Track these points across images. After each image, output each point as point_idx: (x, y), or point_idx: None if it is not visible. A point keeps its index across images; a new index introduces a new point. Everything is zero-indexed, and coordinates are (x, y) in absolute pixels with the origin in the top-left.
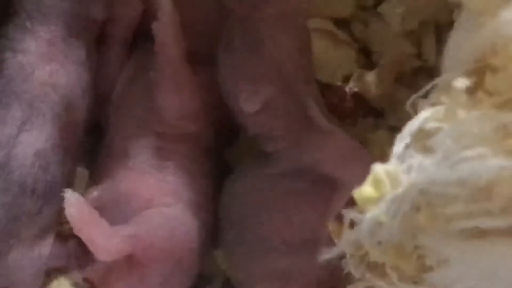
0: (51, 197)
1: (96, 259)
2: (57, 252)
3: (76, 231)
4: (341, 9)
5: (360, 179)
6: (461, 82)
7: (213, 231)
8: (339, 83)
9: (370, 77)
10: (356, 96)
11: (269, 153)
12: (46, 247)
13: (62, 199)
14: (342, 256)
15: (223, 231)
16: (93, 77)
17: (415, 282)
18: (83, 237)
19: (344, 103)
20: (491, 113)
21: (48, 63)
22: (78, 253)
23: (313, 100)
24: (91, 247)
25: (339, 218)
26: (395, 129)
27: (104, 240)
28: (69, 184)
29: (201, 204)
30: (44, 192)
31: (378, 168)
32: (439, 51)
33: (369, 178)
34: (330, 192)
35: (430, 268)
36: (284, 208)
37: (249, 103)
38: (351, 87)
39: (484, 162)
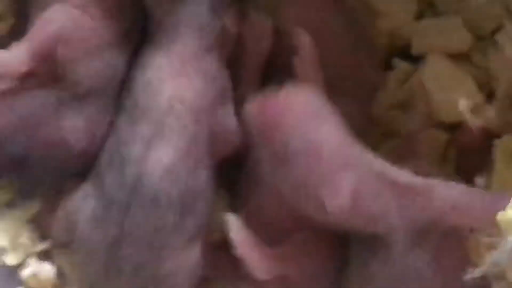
0: (191, 208)
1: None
2: (208, 261)
3: (237, 253)
4: (459, 43)
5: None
6: None
7: None
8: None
9: (491, 109)
10: (484, 131)
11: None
12: (195, 256)
13: (207, 209)
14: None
15: None
16: (221, 93)
17: None
18: (243, 257)
19: (471, 139)
20: None
21: (177, 78)
22: (227, 263)
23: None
24: (249, 267)
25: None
26: None
27: (262, 261)
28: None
29: None
30: (181, 204)
31: None
32: None
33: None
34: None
35: None
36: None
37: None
38: (475, 122)
39: None
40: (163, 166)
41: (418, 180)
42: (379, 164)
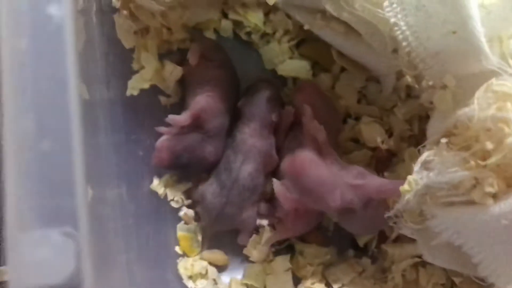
0: (257, 190)
1: (283, 207)
2: (264, 208)
3: (277, 195)
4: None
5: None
6: (444, 140)
7: None
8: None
9: (391, 141)
10: (388, 151)
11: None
12: (255, 211)
13: (261, 191)
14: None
15: None
16: (270, 144)
17: (416, 223)
18: (279, 198)
19: (383, 155)
20: (458, 152)
21: (253, 138)
22: (271, 208)
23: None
24: (282, 202)
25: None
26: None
27: (288, 200)
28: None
29: None
30: (253, 189)
31: (409, 178)
32: None
33: (406, 182)
34: (381, 203)
35: (427, 219)
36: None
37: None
38: (383, 146)
39: (455, 174)
40: (247, 173)
41: (362, 179)
42: (346, 174)
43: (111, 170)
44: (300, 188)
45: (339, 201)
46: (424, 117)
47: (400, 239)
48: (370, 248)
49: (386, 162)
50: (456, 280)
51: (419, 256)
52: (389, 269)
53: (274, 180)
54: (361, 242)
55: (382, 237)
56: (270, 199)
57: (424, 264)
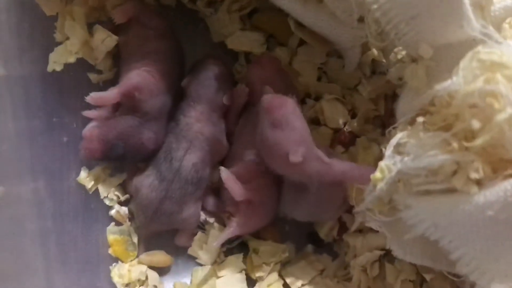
0: (202, 184)
1: (233, 199)
2: (212, 203)
3: (226, 186)
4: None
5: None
6: (420, 119)
7: None
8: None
9: (355, 122)
10: (351, 133)
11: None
12: (198, 208)
13: (205, 186)
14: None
15: None
16: (219, 129)
17: (385, 215)
18: (228, 187)
19: (346, 137)
20: (437, 133)
21: (200, 122)
22: (219, 203)
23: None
24: (232, 192)
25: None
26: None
27: (239, 191)
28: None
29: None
30: (197, 182)
31: (381, 164)
32: None
33: (378, 168)
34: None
35: (399, 210)
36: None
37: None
38: (346, 129)
39: (434, 158)
40: (192, 163)
41: (328, 159)
42: (316, 148)
43: (25, 162)
44: (267, 129)
45: (300, 158)
46: (390, 96)
47: (363, 229)
48: (330, 239)
49: (349, 145)
50: (427, 276)
51: (385, 249)
52: (351, 264)
53: (222, 168)
54: (322, 233)
55: (343, 228)
56: (217, 191)
57: (391, 259)
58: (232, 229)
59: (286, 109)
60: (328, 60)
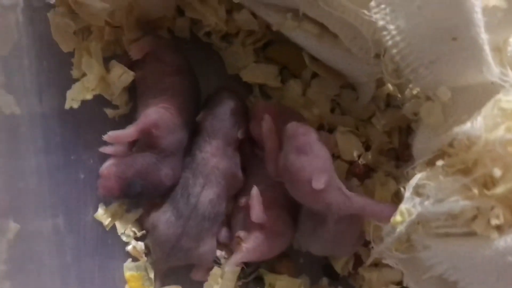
0: (218, 219)
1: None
2: (225, 235)
3: (251, 203)
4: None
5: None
6: (440, 163)
7: None
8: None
9: (369, 155)
10: (365, 166)
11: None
12: (214, 243)
13: (221, 221)
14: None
15: None
16: (235, 162)
17: (402, 252)
18: (252, 207)
19: (360, 170)
20: (457, 178)
21: (215, 157)
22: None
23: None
24: (253, 212)
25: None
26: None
27: (260, 212)
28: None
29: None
30: (214, 218)
31: (401, 207)
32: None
33: (398, 211)
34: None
35: (417, 249)
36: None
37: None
38: (361, 161)
39: (455, 204)
40: (208, 199)
41: (349, 192)
42: (339, 180)
43: (44, 198)
44: (292, 155)
45: (323, 185)
46: (405, 129)
47: (379, 264)
48: (345, 272)
49: (364, 178)
50: None
51: (400, 283)
52: None
53: (255, 187)
54: (337, 266)
55: (358, 261)
56: (229, 222)
57: None
58: (242, 254)
59: (311, 137)
60: (342, 92)
